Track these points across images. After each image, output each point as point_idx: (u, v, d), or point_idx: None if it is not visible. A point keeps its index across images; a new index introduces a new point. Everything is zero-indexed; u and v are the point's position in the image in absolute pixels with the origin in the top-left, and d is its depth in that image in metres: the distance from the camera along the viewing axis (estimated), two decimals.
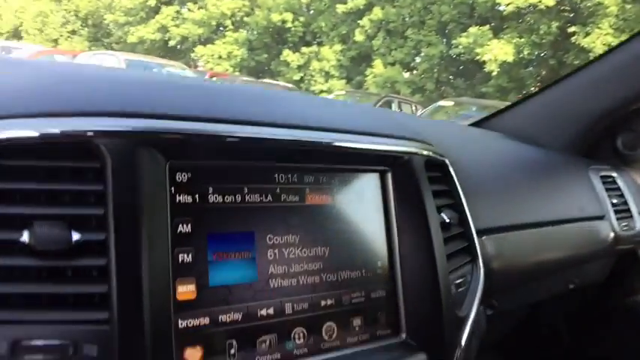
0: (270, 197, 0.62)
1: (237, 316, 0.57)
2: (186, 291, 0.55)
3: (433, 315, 0.69)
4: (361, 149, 0.68)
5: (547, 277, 1.15)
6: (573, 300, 1.40)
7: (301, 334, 0.62)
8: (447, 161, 0.82)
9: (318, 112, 0.71)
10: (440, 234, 0.72)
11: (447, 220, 0.78)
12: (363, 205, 0.70)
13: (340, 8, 11.55)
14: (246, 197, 0.60)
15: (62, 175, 0.51)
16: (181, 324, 0.54)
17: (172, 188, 0.56)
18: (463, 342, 0.72)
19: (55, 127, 0.51)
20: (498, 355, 1.46)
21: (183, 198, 0.56)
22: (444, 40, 10.59)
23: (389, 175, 0.72)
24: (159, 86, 0.65)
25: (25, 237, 0.47)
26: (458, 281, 0.76)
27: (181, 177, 0.57)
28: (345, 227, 0.67)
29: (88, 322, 0.47)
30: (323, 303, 0.64)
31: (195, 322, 0.55)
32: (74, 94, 0.55)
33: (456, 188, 0.83)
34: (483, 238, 0.91)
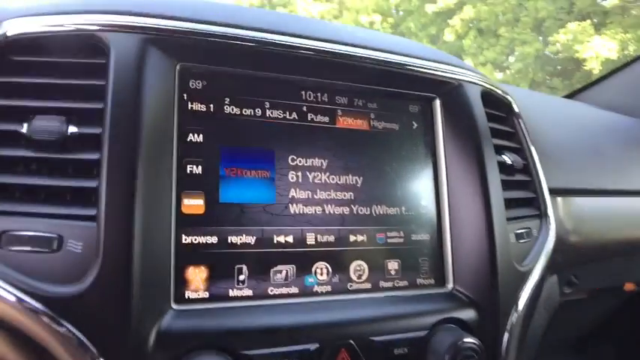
0: (294, 115, 0.56)
1: (250, 239, 0.51)
2: (192, 204, 0.49)
3: (486, 264, 0.59)
4: (406, 67, 0.60)
5: (633, 256, 0.99)
6: None
7: (324, 270, 0.54)
8: (512, 100, 0.71)
9: (356, 30, 0.63)
10: (497, 175, 0.62)
11: (509, 162, 0.67)
12: (404, 135, 0.61)
13: (430, 8, 11.28)
14: (267, 112, 0.54)
15: (66, 70, 0.48)
16: (185, 239, 0.49)
17: (185, 95, 0.51)
18: (521, 302, 0.61)
19: (61, 22, 0.48)
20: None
21: (196, 106, 0.52)
22: (540, 37, 10.00)
23: (437, 103, 0.63)
24: None
25: (24, 129, 0.45)
26: (519, 231, 0.65)
27: (195, 84, 0.52)
28: (382, 157, 0.59)
29: (76, 217, 0.44)
30: (352, 238, 0.56)
31: (202, 239, 0.49)
32: None
33: (522, 131, 0.72)
34: (557, 198, 0.79)
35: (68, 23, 0.48)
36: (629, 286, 1.04)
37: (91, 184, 0.45)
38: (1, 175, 0.45)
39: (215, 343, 0.45)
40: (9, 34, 0.48)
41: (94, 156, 0.45)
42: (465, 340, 0.53)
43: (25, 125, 0.46)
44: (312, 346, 0.48)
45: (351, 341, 0.50)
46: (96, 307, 0.42)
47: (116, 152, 0.44)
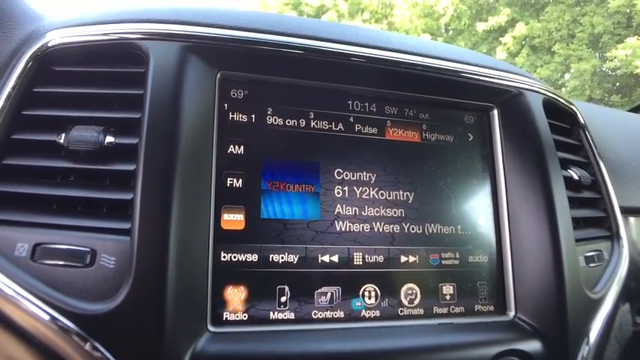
0: (341, 126, 0.52)
1: (293, 257, 0.48)
2: (232, 220, 0.47)
3: (552, 290, 0.53)
4: (461, 75, 0.55)
5: None
6: None
7: (373, 293, 0.50)
8: (576, 109, 0.65)
9: (407, 39, 0.60)
10: (563, 191, 0.56)
11: (575, 177, 0.61)
12: (460, 148, 0.57)
13: (480, 27, 11.11)
14: (312, 123, 0.51)
15: (105, 80, 0.47)
16: (224, 257, 0.46)
17: (225, 105, 0.49)
18: (593, 333, 0.55)
19: (102, 31, 0.47)
20: None
21: (237, 116, 0.49)
22: (597, 53, 9.64)
23: (495, 113, 0.58)
24: (218, 8, 0.59)
25: (62, 139, 0.44)
26: (589, 254, 0.58)
27: (236, 93, 0.50)
28: (435, 171, 0.55)
29: (110, 230, 0.42)
30: (403, 259, 0.52)
31: (242, 257, 0.46)
32: (126, 6, 0.51)
33: (589, 144, 0.66)
34: (630, 218, 0.72)
35: (108, 33, 0.47)
36: None
37: (126, 196, 0.43)
38: (37, 186, 0.43)
39: None
40: (51, 44, 0.47)
41: (131, 167, 0.43)
42: None
43: (63, 135, 0.45)
44: None
45: None
46: (127, 326, 0.39)
47: (152, 163, 0.42)
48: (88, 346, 0.38)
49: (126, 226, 0.41)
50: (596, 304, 0.56)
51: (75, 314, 0.39)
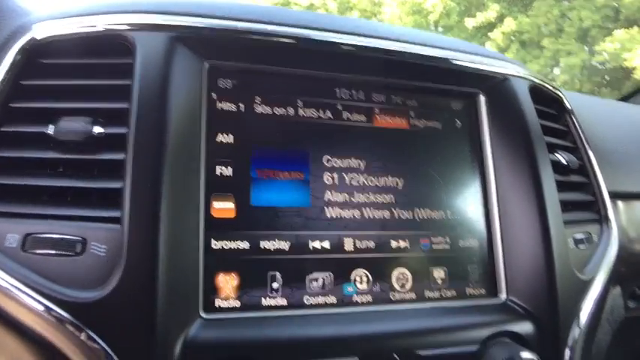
0: (329, 114, 0.53)
1: (284, 244, 0.48)
2: (223, 208, 0.47)
3: (543, 271, 0.53)
4: (446, 62, 0.56)
5: None
6: None
7: (364, 278, 0.50)
8: (562, 95, 0.66)
9: (394, 27, 0.60)
10: (551, 174, 0.57)
11: (563, 161, 0.61)
12: (447, 134, 0.57)
13: (470, 23, 11.15)
14: (300, 111, 0.52)
15: (93, 71, 0.47)
16: (215, 244, 0.46)
17: (213, 94, 0.49)
18: (583, 314, 0.55)
19: (89, 23, 0.47)
20: None
21: (225, 105, 0.49)
22: (586, 47, 9.71)
23: (482, 99, 0.59)
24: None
25: (51, 130, 0.44)
26: (578, 236, 0.59)
27: (225, 83, 0.50)
28: (423, 157, 0.55)
29: (100, 219, 0.42)
30: (394, 244, 0.52)
31: (233, 244, 0.47)
32: None
33: (576, 129, 0.66)
34: (618, 202, 0.73)
35: (95, 24, 0.48)
36: None
37: (116, 185, 0.43)
38: (27, 177, 0.44)
39: (246, 356, 0.42)
40: (38, 37, 0.47)
41: (120, 156, 0.43)
42: (523, 355, 0.48)
43: (52, 127, 0.45)
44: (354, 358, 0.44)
45: (395, 355, 0.46)
46: (119, 314, 0.39)
47: (141, 152, 0.42)
48: (83, 336, 0.39)
49: (116, 214, 0.42)
50: (586, 285, 0.57)
51: (68, 303, 0.39)
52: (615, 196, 0.71)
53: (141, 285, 0.40)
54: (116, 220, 0.42)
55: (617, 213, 0.70)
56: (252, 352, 0.42)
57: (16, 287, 0.40)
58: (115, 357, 0.39)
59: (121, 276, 0.40)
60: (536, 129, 0.58)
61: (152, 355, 0.39)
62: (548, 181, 0.56)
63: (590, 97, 1.30)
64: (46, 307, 0.39)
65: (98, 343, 0.39)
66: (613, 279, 0.64)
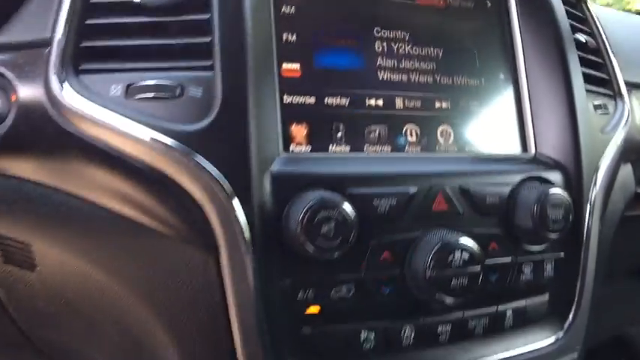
0: None
1: (344, 100, 0.55)
2: (290, 68, 0.53)
3: (568, 128, 0.61)
4: None
5: None
6: None
7: (414, 132, 0.58)
8: None
9: None
10: (574, 47, 0.63)
11: (582, 40, 0.68)
12: (478, 12, 0.63)
13: None
14: None
15: None
16: (287, 99, 0.53)
17: None
18: (602, 171, 0.62)
19: None
20: None
21: None
22: None
23: None
24: None
25: None
26: (596, 102, 0.66)
27: None
28: (459, 32, 0.62)
29: (194, 68, 0.48)
30: (437, 105, 0.59)
31: (301, 99, 0.53)
32: None
33: (592, 17, 0.73)
34: (632, 90, 0.79)
35: None
36: None
37: (205, 39, 0.49)
38: (121, 39, 0.49)
39: (323, 183, 0.49)
40: None
41: (205, 16, 0.50)
42: (553, 191, 0.55)
43: None
44: (412, 189, 0.52)
45: (447, 188, 0.53)
46: (220, 142, 0.46)
47: (225, 12, 0.49)
48: (190, 161, 0.45)
49: (208, 63, 0.48)
50: (605, 142, 0.64)
51: (174, 132, 0.46)
52: (628, 85, 0.78)
53: (236, 118, 0.47)
54: (209, 68, 0.48)
55: (630, 99, 0.77)
56: (328, 180, 0.49)
57: (124, 124, 0.46)
58: (221, 178, 0.46)
59: (219, 111, 0.46)
60: (560, 8, 0.64)
61: (250, 180, 0.46)
62: (572, 49, 0.62)
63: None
64: (154, 138, 0.46)
65: (205, 168, 0.46)
66: (624, 155, 0.71)
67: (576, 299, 0.62)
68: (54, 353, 0.76)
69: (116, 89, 0.48)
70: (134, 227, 0.49)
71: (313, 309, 0.50)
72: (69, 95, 0.47)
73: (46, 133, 0.48)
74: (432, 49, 0.60)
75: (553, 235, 0.56)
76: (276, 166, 0.49)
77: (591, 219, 0.62)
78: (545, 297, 0.60)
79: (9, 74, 0.50)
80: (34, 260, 0.54)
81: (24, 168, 0.50)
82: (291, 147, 0.52)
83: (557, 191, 0.55)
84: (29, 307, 0.61)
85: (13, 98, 0.50)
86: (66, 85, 0.48)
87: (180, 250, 0.48)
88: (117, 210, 0.49)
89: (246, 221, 0.46)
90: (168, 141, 0.46)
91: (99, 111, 0.47)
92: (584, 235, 0.61)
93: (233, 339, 0.48)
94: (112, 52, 0.49)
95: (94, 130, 0.47)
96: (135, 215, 0.49)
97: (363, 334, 0.51)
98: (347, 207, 0.47)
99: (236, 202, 0.46)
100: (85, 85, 0.48)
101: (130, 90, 0.48)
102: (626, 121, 0.69)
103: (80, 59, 0.49)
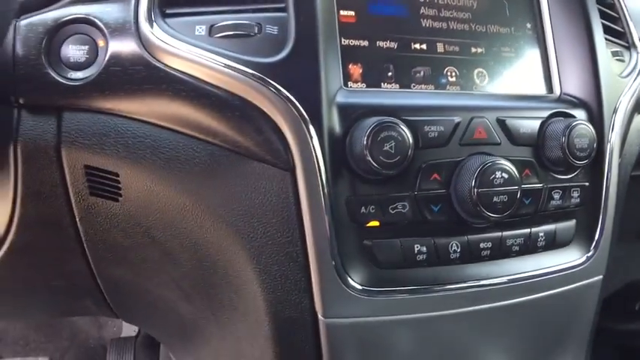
0: None
1: (393, 44, 0.62)
2: (347, 14, 0.60)
3: (590, 69, 0.67)
4: None
5: None
6: None
7: (453, 73, 0.64)
8: None
9: None
10: (593, 1, 0.70)
11: None
12: None
13: None
14: None
15: None
16: (344, 42, 0.59)
17: None
18: (620, 112, 0.69)
19: None
20: None
21: None
22: None
23: None
24: None
25: None
26: (613, 49, 0.73)
27: None
28: None
29: (269, 9, 0.55)
30: (473, 50, 0.66)
31: (356, 42, 0.60)
32: None
33: None
34: None
35: None
36: None
37: None
38: None
39: (381, 111, 0.56)
40: None
41: None
42: (579, 123, 0.62)
43: None
44: (457, 119, 0.59)
45: (486, 119, 0.60)
46: (295, 72, 0.53)
47: None
48: (271, 88, 0.52)
49: (282, 5, 0.55)
50: (622, 85, 0.71)
51: (254, 63, 0.52)
52: None
53: (308, 54, 0.53)
54: (283, 10, 0.55)
55: None
56: (385, 109, 0.56)
57: (211, 59, 0.53)
58: (299, 103, 0.52)
59: (293, 46, 0.53)
60: None
61: (320, 108, 0.53)
62: (592, 2, 0.69)
63: None
64: (237, 68, 0.52)
65: (283, 94, 0.52)
66: (638, 107, 0.78)
67: (599, 226, 0.69)
68: (115, 299, 0.82)
69: (200, 29, 0.54)
70: (217, 152, 0.56)
71: (374, 223, 0.56)
72: (159, 35, 0.54)
73: (137, 72, 0.55)
74: (467, 0, 0.67)
75: (579, 163, 0.63)
76: (340, 98, 0.55)
77: (612, 154, 0.69)
78: (573, 222, 0.67)
79: (99, 23, 0.57)
80: (119, 190, 0.61)
81: (115, 104, 0.57)
82: (349, 84, 0.59)
83: (582, 123, 0.62)
84: (105, 240, 0.67)
85: (102, 43, 0.57)
86: (155, 26, 0.54)
87: (259, 171, 0.55)
88: (201, 137, 0.56)
89: (319, 143, 0.53)
90: (250, 71, 0.52)
91: (187, 48, 0.54)
92: (606, 167, 0.68)
93: (306, 249, 0.55)
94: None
95: (182, 65, 0.54)
96: (217, 142, 0.55)
97: (417, 248, 0.58)
98: (404, 128, 0.53)
99: (310, 125, 0.52)
100: (173, 27, 0.55)
101: (213, 30, 0.54)
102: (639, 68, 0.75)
103: (166, 4, 0.56)
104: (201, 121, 0.55)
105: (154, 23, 0.54)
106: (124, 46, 0.56)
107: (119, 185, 0.60)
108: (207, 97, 0.54)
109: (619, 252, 0.80)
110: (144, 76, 0.55)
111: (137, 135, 0.57)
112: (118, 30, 0.56)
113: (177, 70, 0.54)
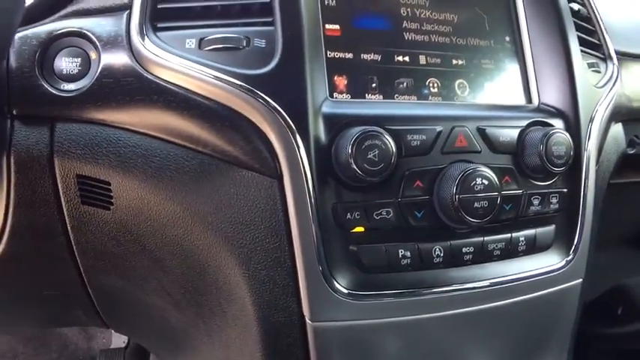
0: None
1: (377, 57, 0.64)
2: (332, 28, 0.62)
3: (566, 80, 0.70)
4: None
5: None
6: None
7: (435, 85, 0.67)
8: None
9: None
10: (570, 15, 0.73)
11: (576, 8, 0.78)
12: None
13: None
14: None
15: None
16: (329, 54, 0.62)
17: None
18: (597, 121, 0.72)
19: None
20: None
21: None
22: None
23: None
24: None
25: None
26: (589, 61, 0.76)
27: None
28: (472, 1, 0.71)
29: (257, 23, 0.57)
30: (454, 62, 0.68)
31: (341, 55, 0.62)
32: None
33: None
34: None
35: None
36: None
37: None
38: (192, 1, 0.58)
39: (365, 121, 0.58)
40: None
41: None
42: (556, 132, 0.65)
43: None
44: (438, 128, 0.61)
45: (467, 128, 0.62)
46: (282, 84, 0.55)
47: None
48: (258, 98, 0.54)
49: (270, 19, 0.57)
50: (598, 95, 0.74)
51: (243, 75, 0.54)
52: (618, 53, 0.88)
53: (295, 66, 0.55)
54: (270, 23, 0.57)
55: (620, 65, 0.86)
56: (368, 119, 0.58)
57: (198, 70, 0.55)
58: (286, 114, 0.54)
59: (281, 59, 0.55)
60: None
61: (307, 118, 0.55)
62: (568, 15, 0.72)
63: None
64: (227, 80, 0.54)
65: (271, 105, 0.54)
66: (614, 114, 0.81)
67: (578, 231, 0.71)
68: (105, 308, 0.83)
69: (190, 42, 0.56)
70: (207, 161, 0.57)
71: (359, 228, 0.58)
72: (150, 48, 0.56)
73: (129, 83, 0.57)
74: (448, 14, 0.69)
75: (557, 170, 0.65)
76: (325, 108, 0.58)
77: (589, 161, 0.71)
78: (552, 227, 0.69)
79: (92, 36, 0.58)
80: (111, 199, 0.62)
81: (107, 114, 0.58)
82: (335, 95, 0.61)
83: (559, 132, 0.65)
84: (96, 249, 0.68)
85: (94, 56, 0.59)
86: (147, 40, 0.56)
87: (247, 179, 0.57)
88: (192, 147, 0.57)
89: (305, 152, 0.55)
90: (239, 82, 0.54)
91: (177, 60, 0.56)
92: (583, 174, 0.70)
93: (294, 255, 0.57)
94: (185, 13, 0.58)
95: (173, 77, 0.56)
96: (207, 151, 0.57)
97: (401, 252, 0.59)
98: (388, 137, 0.56)
99: (297, 135, 0.54)
100: (164, 40, 0.57)
101: (202, 43, 0.56)
102: (616, 78, 0.79)
103: (157, 18, 0.58)
104: (192, 131, 0.57)
105: (146, 37, 0.56)
106: (116, 59, 0.58)
107: (111, 194, 0.61)
108: (197, 108, 0.56)
109: (600, 258, 0.82)
110: (135, 87, 0.57)
111: (129, 145, 0.59)
112: (110, 43, 0.58)
113: (168, 81, 0.56)
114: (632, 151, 0.99)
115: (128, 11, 0.58)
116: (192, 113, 0.56)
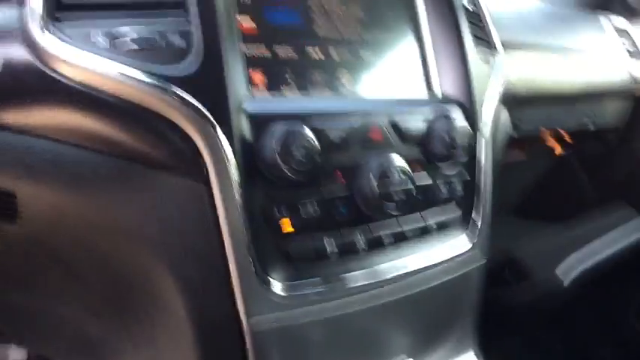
0: None
1: (292, 51, 0.65)
2: (248, 26, 0.62)
3: (463, 75, 0.76)
4: None
5: (564, 104, 1.22)
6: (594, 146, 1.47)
7: (347, 78, 0.69)
8: None
9: None
10: (463, 13, 0.79)
11: (469, 8, 0.84)
12: None
13: None
14: None
15: None
16: (246, 50, 0.61)
17: None
18: (487, 104, 0.79)
19: None
20: None
21: None
22: None
23: None
24: None
25: None
26: (480, 54, 0.83)
27: None
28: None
29: (171, 22, 0.55)
30: (364, 55, 0.71)
31: (258, 50, 0.62)
32: None
33: None
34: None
35: None
36: None
37: None
38: None
39: (285, 117, 0.59)
40: None
41: None
42: (457, 121, 0.71)
43: None
44: (355, 123, 0.64)
45: (380, 122, 0.66)
46: (202, 82, 0.53)
47: None
48: (179, 97, 0.52)
49: (185, 15, 0.55)
50: (490, 84, 0.81)
51: (159, 74, 0.52)
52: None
53: (214, 64, 0.54)
54: (186, 20, 0.54)
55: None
56: (287, 117, 0.59)
57: (109, 68, 0.51)
58: (207, 112, 0.53)
59: (198, 56, 0.53)
60: None
61: (229, 116, 0.54)
62: (461, 13, 0.78)
63: None
64: (140, 79, 0.51)
65: (192, 104, 0.53)
66: (502, 103, 0.89)
67: (481, 214, 0.78)
68: (9, 323, 0.77)
69: (100, 37, 0.52)
70: (126, 166, 0.55)
71: (287, 224, 0.59)
72: (53, 43, 0.51)
73: (30, 83, 0.52)
74: (356, 9, 0.72)
75: (460, 158, 0.71)
76: (246, 105, 0.57)
77: (486, 147, 0.78)
78: (459, 213, 0.76)
79: None
80: (16, 211, 0.57)
81: (8, 117, 0.54)
82: (255, 93, 0.61)
83: (459, 122, 0.71)
84: (2, 266, 0.63)
85: None
86: (47, 33, 0.51)
87: (172, 183, 0.55)
88: (106, 151, 0.54)
89: (230, 150, 0.54)
90: (154, 82, 0.52)
91: (86, 57, 0.52)
92: (483, 160, 0.77)
93: (225, 256, 0.57)
94: (92, 4, 0.54)
95: (81, 75, 0.52)
96: (125, 155, 0.55)
97: (327, 242, 0.62)
98: (309, 133, 0.57)
99: (221, 133, 0.54)
100: (67, 35, 0.52)
101: (112, 37, 0.52)
102: (503, 68, 0.86)
103: (59, 9, 0.53)
104: (106, 134, 0.54)
105: (46, 30, 0.52)
106: (12, 54, 0.53)
107: (15, 206, 0.57)
108: (109, 109, 0.53)
109: (498, 229, 0.91)
110: (38, 86, 0.52)
111: (35, 152, 0.55)
112: (6, 36, 0.53)
113: (75, 80, 0.52)
114: (516, 135, 1.10)
115: (25, 0, 0.53)
116: (104, 115, 0.53)
